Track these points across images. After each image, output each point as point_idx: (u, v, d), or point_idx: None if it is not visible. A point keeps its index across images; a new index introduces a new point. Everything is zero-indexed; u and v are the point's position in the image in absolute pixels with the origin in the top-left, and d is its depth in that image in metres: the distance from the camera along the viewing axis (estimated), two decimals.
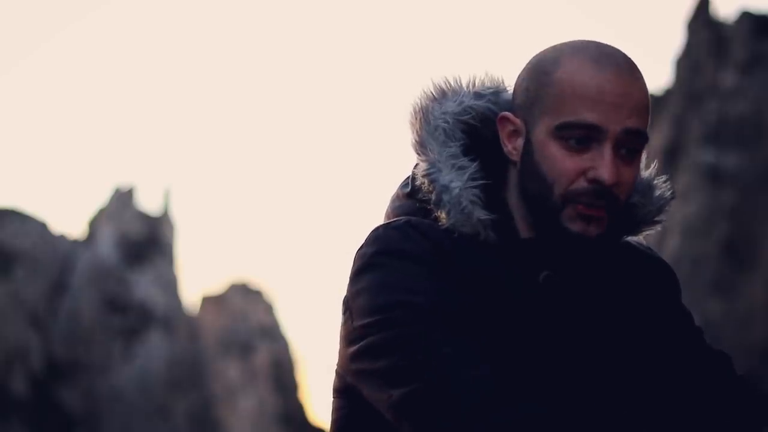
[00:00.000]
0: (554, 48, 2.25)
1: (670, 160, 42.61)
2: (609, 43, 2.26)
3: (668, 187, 2.36)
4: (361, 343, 2.18)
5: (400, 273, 2.17)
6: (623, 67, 2.20)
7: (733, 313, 38.59)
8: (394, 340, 2.13)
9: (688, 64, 45.40)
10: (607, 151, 2.17)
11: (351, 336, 2.21)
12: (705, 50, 45.05)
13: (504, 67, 2.37)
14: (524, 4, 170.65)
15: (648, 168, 2.36)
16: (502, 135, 2.27)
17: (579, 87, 2.17)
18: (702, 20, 46.26)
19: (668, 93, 46.06)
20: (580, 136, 2.17)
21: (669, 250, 39.85)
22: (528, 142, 2.23)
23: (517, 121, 2.25)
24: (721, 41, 44.88)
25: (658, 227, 2.35)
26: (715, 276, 39.85)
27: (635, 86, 2.19)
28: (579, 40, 2.25)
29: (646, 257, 2.40)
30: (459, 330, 2.13)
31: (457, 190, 2.22)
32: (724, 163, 41.81)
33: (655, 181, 2.35)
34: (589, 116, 2.17)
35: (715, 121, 42.50)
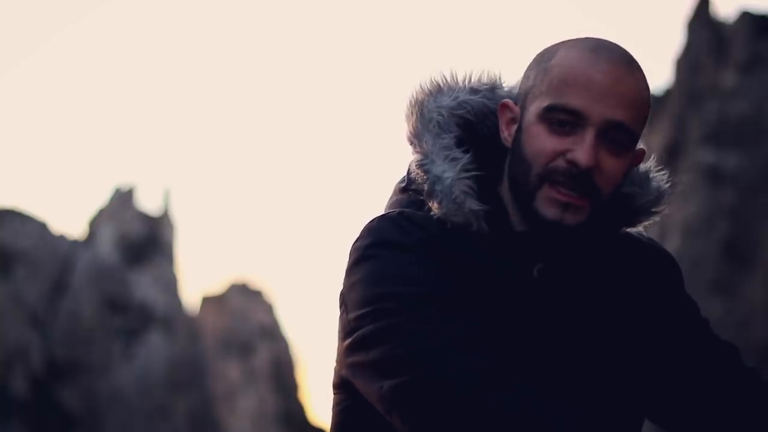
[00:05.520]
0: (560, 41, 2.28)
1: (670, 160, 42.55)
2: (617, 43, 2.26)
3: (666, 179, 2.37)
4: (354, 336, 2.19)
5: (393, 264, 2.18)
6: (618, 60, 2.21)
7: (733, 313, 38.54)
8: (385, 331, 2.14)
9: (688, 64, 45.35)
10: (588, 136, 2.18)
11: (346, 329, 2.22)
12: (705, 50, 45.01)
13: (503, 66, 2.40)
14: (525, 3, 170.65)
15: (646, 162, 2.38)
16: (501, 122, 2.30)
17: (570, 73, 2.20)
18: (702, 20, 46.21)
19: (668, 93, 45.99)
20: (564, 120, 2.19)
21: (669, 250, 39.73)
22: (519, 127, 2.26)
23: (516, 108, 2.28)
24: (721, 41, 44.83)
25: (657, 218, 2.35)
26: (715, 276, 39.80)
27: (627, 79, 2.20)
28: (585, 36, 2.27)
29: (647, 248, 2.41)
30: (451, 319, 2.13)
31: (449, 181, 2.23)
32: (724, 163, 41.76)
33: (652, 174, 2.36)
34: (574, 101, 2.18)
35: (715, 121, 42.45)
